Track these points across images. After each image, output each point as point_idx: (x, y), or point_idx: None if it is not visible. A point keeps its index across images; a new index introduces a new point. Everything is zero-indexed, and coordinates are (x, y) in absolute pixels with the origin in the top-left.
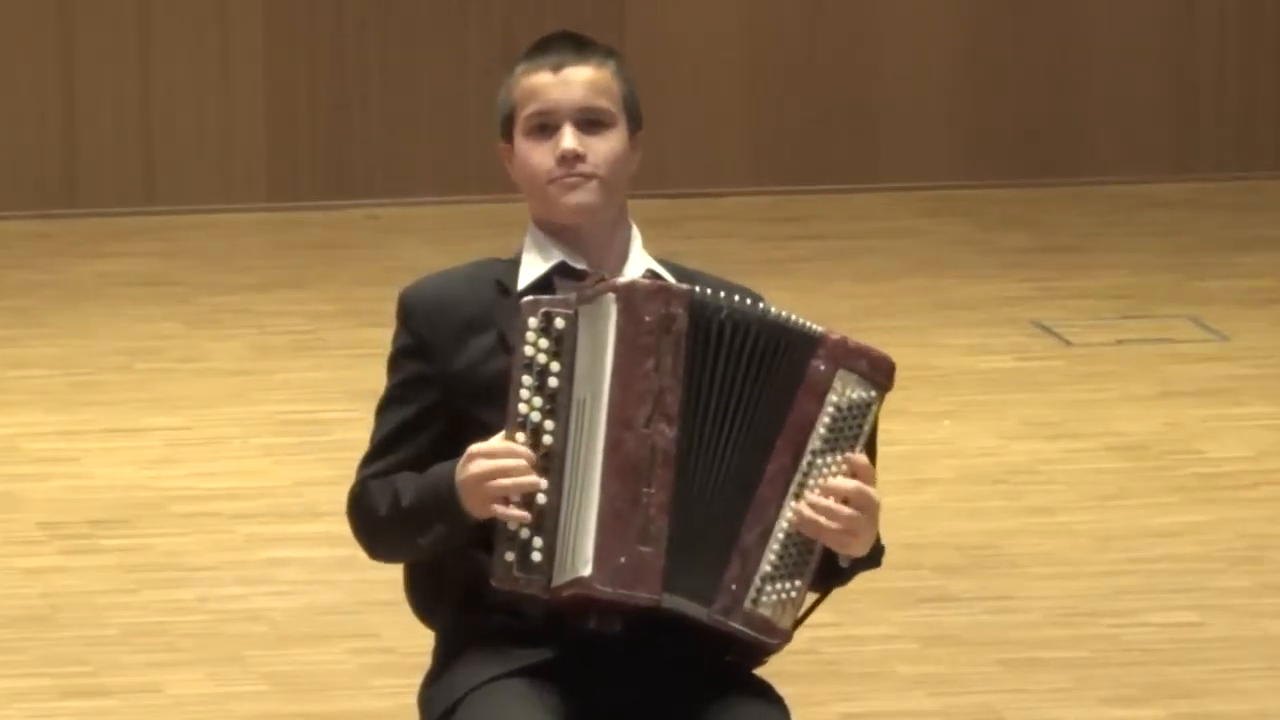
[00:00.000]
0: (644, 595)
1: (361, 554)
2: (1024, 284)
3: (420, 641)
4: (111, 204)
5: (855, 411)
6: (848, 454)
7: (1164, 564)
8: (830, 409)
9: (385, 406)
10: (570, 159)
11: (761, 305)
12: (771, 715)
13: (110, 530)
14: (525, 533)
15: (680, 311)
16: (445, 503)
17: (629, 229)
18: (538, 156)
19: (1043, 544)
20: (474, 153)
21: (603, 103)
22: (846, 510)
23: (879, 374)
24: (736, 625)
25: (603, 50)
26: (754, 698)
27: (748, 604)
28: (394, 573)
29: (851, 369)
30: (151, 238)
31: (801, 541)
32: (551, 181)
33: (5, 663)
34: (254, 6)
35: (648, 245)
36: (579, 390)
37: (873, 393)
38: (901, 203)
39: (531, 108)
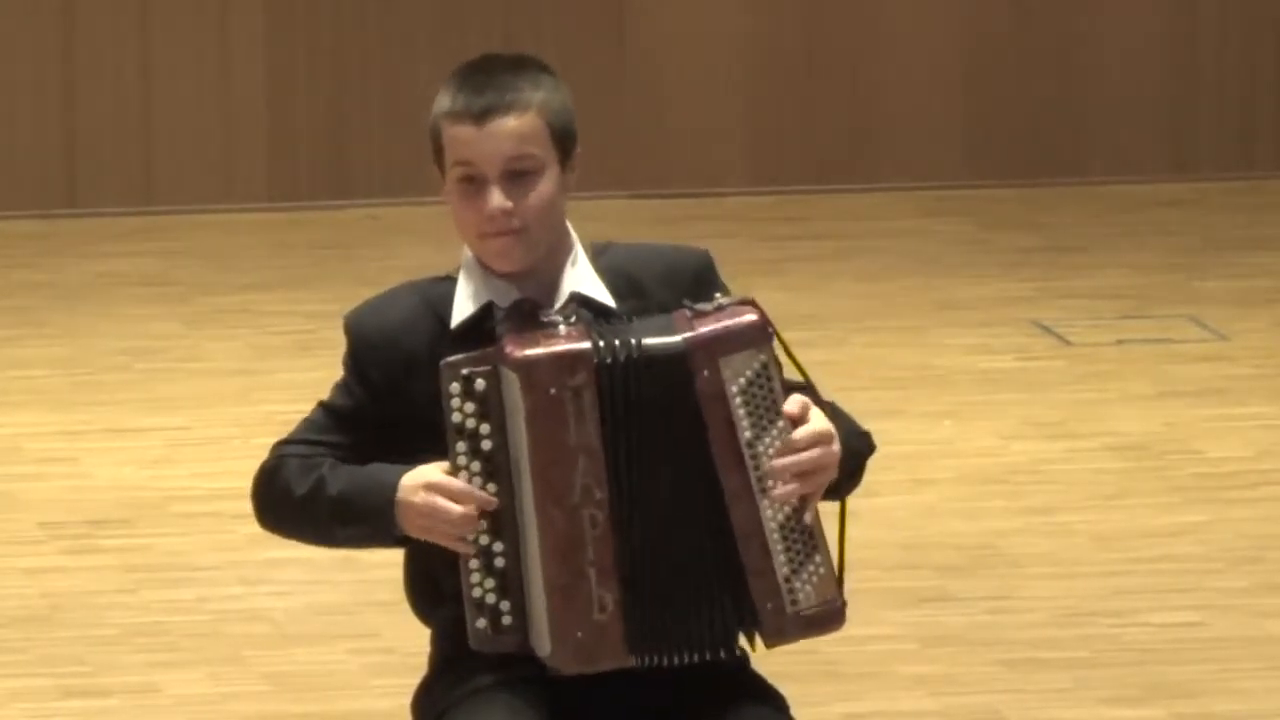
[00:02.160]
0: (608, 664)
1: (362, 554)
2: (1024, 284)
3: (420, 641)
4: (111, 204)
5: (758, 381)
6: (779, 422)
7: (1164, 564)
8: (737, 399)
9: (326, 412)
10: (499, 217)
11: (656, 338)
12: (773, 717)
13: (110, 530)
14: (491, 598)
15: (584, 375)
16: (379, 509)
17: (568, 246)
18: (467, 210)
19: (1043, 544)
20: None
21: (529, 150)
22: (806, 459)
23: (754, 337)
24: (795, 635)
25: (530, 81)
26: (755, 699)
27: (790, 610)
28: (394, 572)
29: (731, 352)
30: (151, 238)
31: (797, 525)
32: (482, 236)
33: (5, 663)
34: (254, 6)
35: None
36: (513, 448)
37: (761, 356)
38: (901, 203)
39: (457, 158)
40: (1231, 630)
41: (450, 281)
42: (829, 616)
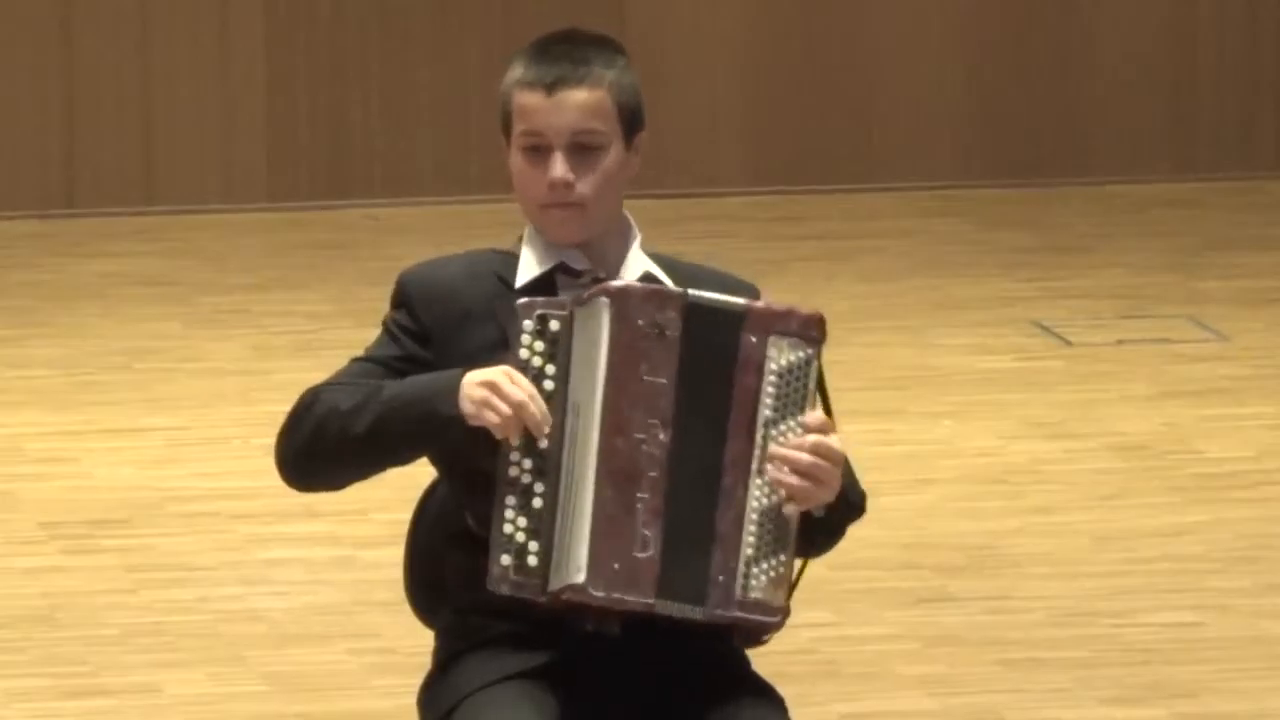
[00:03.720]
0: (637, 601)
1: (362, 554)
2: (1024, 284)
3: (420, 641)
4: (111, 204)
5: (796, 373)
6: (800, 417)
7: (1164, 564)
8: (771, 378)
9: (364, 361)
10: (560, 187)
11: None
12: (771, 716)
13: (110, 530)
14: (521, 536)
15: (674, 315)
16: (440, 391)
17: (627, 230)
18: (530, 180)
19: (1043, 544)
20: (474, 153)
21: (595, 125)
22: (807, 459)
23: (810, 330)
24: (734, 615)
25: (603, 59)
26: (754, 698)
27: (739, 592)
28: (394, 573)
29: (781, 333)
30: (151, 238)
31: (776, 516)
32: (543, 207)
33: (5, 663)
34: (254, 7)
35: (646, 244)
36: (574, 393)
37: (809, 350)
38: (901, 203)
39: (524, 127)
40: (1231, 630)
41: (513, 254)
42: (769, 613)
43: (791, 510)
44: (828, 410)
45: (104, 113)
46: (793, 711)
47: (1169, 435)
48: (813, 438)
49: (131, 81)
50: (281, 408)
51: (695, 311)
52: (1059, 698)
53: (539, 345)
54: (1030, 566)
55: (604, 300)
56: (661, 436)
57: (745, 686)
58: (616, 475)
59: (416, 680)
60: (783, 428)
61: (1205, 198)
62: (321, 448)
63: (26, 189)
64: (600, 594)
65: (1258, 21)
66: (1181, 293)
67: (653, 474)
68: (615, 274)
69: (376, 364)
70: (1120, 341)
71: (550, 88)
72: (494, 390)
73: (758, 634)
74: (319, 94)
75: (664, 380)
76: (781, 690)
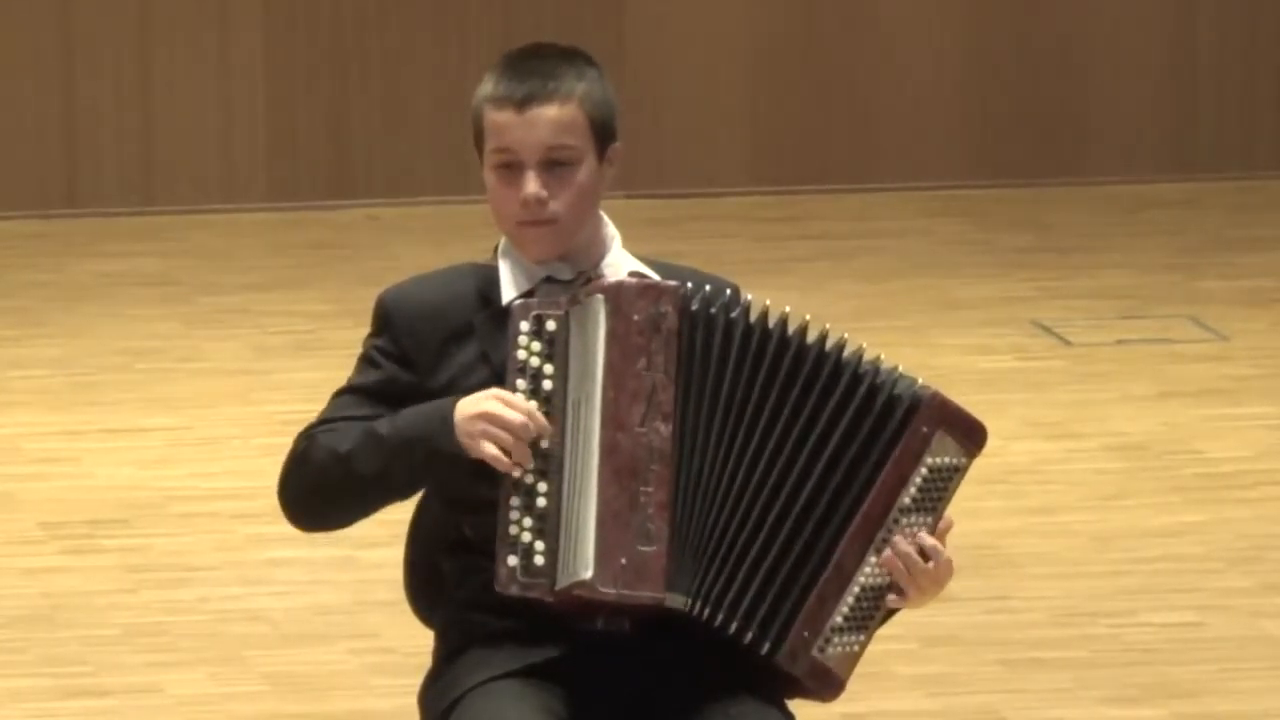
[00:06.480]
0: (647, 595)
1: (362, 554)
2: (1024, 284)
3: (420, 641)
4: (111, 204)
5: (945, 475)
6: (928, 518)
7: (1164, 564)
8: (924, 469)
9: (349, 392)
10: (533, 204)
11: (778, 319)
12: (774, 717)
13: (110, 530)
14: (527, 537)
15: (669, 309)
16: (436, 430)
17: (604, 236)
18: (503, 197)
19: (1043, 544)
20: (474, 153)
21: (567, 140)
22: (922, 569)
23: (972, 441)
24: (801, 670)
25: (574, 72)
26: (757, 699)
27: (815, 651)
28: (394, 572)
29: (949, 432)
30: (151, 238)
31: (875, 596)
32: (518, 224)
33: (5, 663)
34: (254, 6)
35: (640, 246)
36: (573, 392)
37: (963, 459)
38: (902, 203)
39: (496, 144)
40: (1231, 630)
41: (490, 267)
42: (831, 683)
43: (883, 607)
44: None
45: (104, 113)
46: (793, 711)
47: (1169, 435)
48: (945, 554)
49: (131, 81)
50: (281, 408)
51: (692, 305)
52: (1059, 698)
53: (536, 345)
54: (1030, 566)
55: (599, 297)
56: (663, 430)
57: (749, 687)
58: (619, 470)
59: (416, 680)
60: (913, 519)
61: (1205, 198)
62: (327, 493)
63: (26, 189)
64: (609, 590)
65: (1258, 22)
66: (1181, 293)
67: (656, 468)
68: (600, 276)
69: (362, 395)
70: (1120, 341)
71: (521, 104)
72: (491, 421)
73: (805, 693)
74: (319, 94)
75: (662, 375)
76: None
